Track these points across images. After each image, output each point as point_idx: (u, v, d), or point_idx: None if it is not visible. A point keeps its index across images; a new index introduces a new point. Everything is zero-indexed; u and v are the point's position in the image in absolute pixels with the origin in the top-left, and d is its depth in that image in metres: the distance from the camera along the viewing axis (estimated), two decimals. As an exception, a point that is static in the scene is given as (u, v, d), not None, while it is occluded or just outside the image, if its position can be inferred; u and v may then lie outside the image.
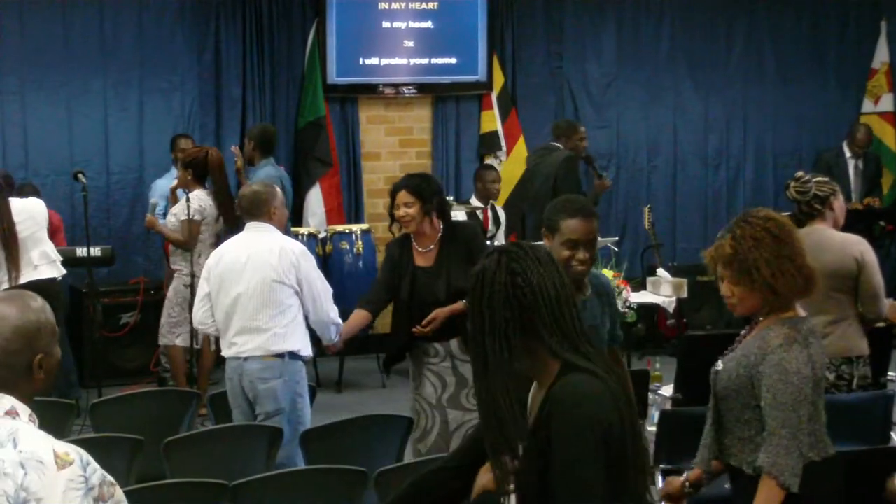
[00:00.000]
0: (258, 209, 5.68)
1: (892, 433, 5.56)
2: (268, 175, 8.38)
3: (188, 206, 7.52)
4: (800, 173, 5.79)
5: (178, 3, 9.69)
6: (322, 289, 5.69)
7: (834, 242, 5.51)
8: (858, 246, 5.50)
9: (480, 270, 2.72)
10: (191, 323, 7.50)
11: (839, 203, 5.63)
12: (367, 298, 5.81)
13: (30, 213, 7.09)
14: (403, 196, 5.52)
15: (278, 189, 5.91)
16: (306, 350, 5.69)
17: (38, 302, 2.66)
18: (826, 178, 5.70)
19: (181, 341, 7.74)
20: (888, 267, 10.84)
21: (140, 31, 9.59)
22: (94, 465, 2.49)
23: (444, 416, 5.52)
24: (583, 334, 2.74)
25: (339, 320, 5.79)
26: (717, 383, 3.59)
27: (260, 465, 5.14)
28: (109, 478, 2.52)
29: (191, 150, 8.02)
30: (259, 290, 5.55)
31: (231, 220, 7.60)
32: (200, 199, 7.62)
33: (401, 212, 5.54)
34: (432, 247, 5.59)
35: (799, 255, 3.55)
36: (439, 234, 5.61)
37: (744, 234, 3.52)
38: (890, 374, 6.94)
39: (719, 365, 3.59)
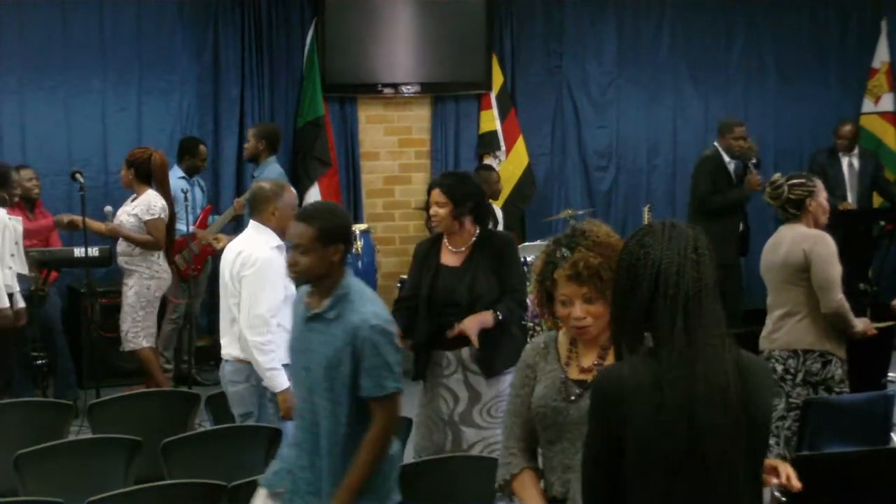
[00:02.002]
0: (256, 207, 5.62)
1: (893, 434, 5.55)
2: (276, 172, 8.42)
3: (154, 206, 7.59)
4: (776, 176, 5.81)
5: (176, 3, 9.68)
6: (247, 305, 5.37)
7: (790, 237, 5.62)
8: (810, 240, 5.56)
9: (628, 238, 2.82)
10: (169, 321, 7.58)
11: (816, 202, 5.64)
12: (401, 314, 5.39)
13: None
14: (436, 195, 5.40)
15: (292, 192, 5.74)
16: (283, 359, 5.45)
17: None
18: (801, 180, 5.68)
19: (147, 342, 7.79)
20: (887, 266, 10.85)
21: (139, 31, 9.58)
22: None
23: (458, 434, 5.34)
24: (694, 321, 2.67)
25: (263, 357, 5.35)
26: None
27: (258, 465, 5.12)
28: None
29: (136, 150, 7.98)
30: (226, 293, 5.55)
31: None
32: (159, 197, 7.68)
33: (432, 210, 5.41)
34: (464, 248, 5.41)
35: None
36: (473, 239, 5.42)
37: (597, 242, 3.28)
38: (890, 374, 6.95)
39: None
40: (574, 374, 3.33)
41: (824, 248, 5.54)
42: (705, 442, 2.63)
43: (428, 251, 5.52)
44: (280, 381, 5.36)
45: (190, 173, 9.02)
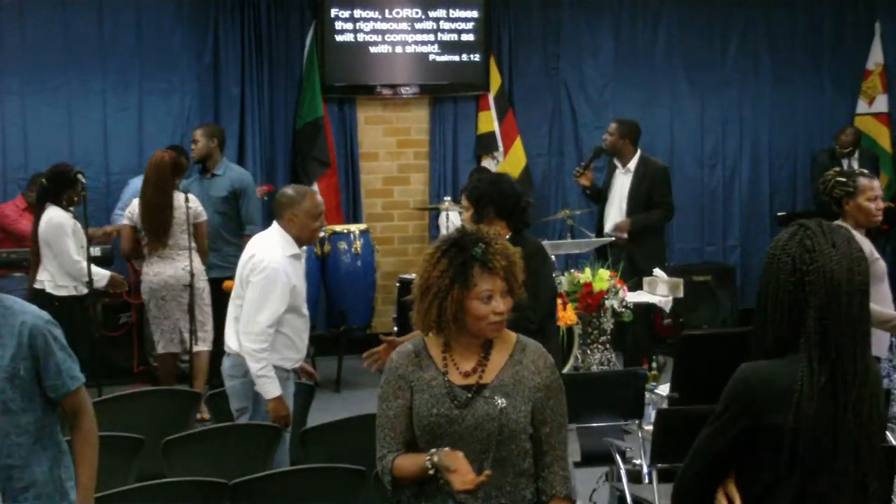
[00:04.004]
0: (276, 211, 5.58)
1: (887, 432, 5.58)
2: (241, 171, 8.67)
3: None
4: (830, 171, 5.76)
5: (176, 4, 9.73)
6: (248, 311, 5.38)
7: None
8: None
9: (776, 239, 2.81)
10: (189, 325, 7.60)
11: (854, 203, 5.56)
12: None
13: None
14: (463, 200, 5.34)
15: (314, 199, 5.57)
16: (275, 361, 5.43)
17: None
18: (844, 179, 5.60)
19: (158, 347, 7.91)
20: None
21: (139, 31, 9.63)
22: None
23: None
24: (860, 327, 2.74)
25: (255, 365, 5.35)
26: (505, 423, 3.22)
27: (259, 464, 5.17)
28: None
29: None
30: (234, 290, 5.57)
31: (150, 231, 7.68)
32: (133, 203, 7.76)
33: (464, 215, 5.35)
34: None
35: None
36: None
37: (495, 236, 3.32)
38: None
39: (502, 402, 3.22)
40: (457, 379, 3.28)
41: None
42: (865, 442, 2.73)
43: None
44: (271, 388, 5.35)
45: None
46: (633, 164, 8.95)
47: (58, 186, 7.39)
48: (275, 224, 5.56)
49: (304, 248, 5.69)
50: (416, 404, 3.27)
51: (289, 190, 5.66)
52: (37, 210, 7.47)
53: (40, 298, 7.07)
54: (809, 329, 2.70)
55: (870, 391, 2.75)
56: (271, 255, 5.40)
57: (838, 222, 5.64)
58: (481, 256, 3.22)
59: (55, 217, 7.33)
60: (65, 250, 7.29)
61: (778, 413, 2.69)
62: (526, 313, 5.05)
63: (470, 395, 3.24)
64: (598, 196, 9.20)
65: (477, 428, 3.21)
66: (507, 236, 5.20)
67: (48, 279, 7.36)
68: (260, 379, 5.36)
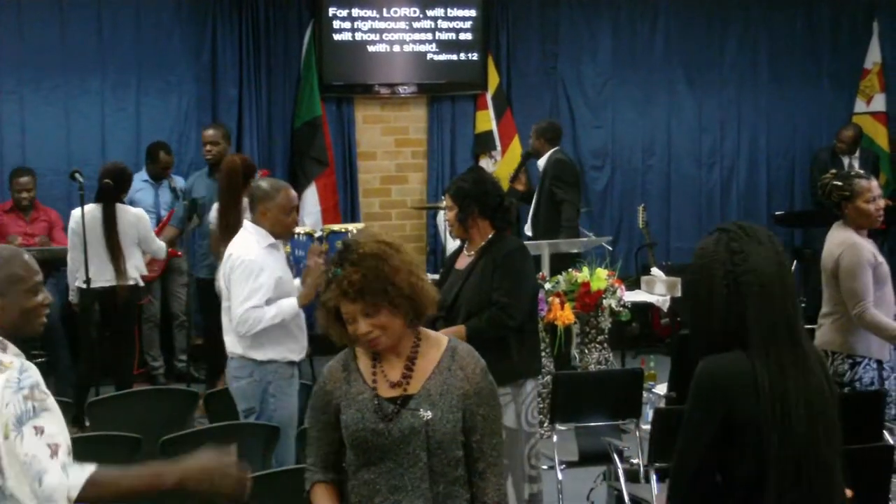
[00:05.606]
0: (251, 206, 5.60)
1: (885, 431, 5.58)
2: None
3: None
4: (828, 174, 5.78)
5: (175, 4, 9.74)
6: (236, 304, 5.37)
7: (830, 239, 5.62)
8: (842, 247, 5.51)
9: (701, 248, 2.84)
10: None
11: (852, 206, 5.54)
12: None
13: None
14: (446, 199, 5.34)
15: (287, 193, 5.56)
16: (281, 355, 5.47)
17: (6, 252, 3.15)
18: (841, 182, 5.58)
19: None
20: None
21: (137, 31, 9.63)
22: (30, 373, 3.00)
23: None
24: (794, 319, 2.77)
25: (263, 323, 5.35)
26: (432, 435, 3.13)
27: (257, 463, 5.17)
28: (44, 388, 3.00)
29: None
30: (224, 295, 5.57)
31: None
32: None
33: (447, 215, 5.37)
34: (473, 253, 5.25)
35: (420, 267, 3.22)
36: (483, 243, 5.23)
37: (362, 255, 3.11)
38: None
39: (427, 414, 3.12)
40: (385, 391, 3.19)
41: (850, 258, 5.47)
42: (821, 432, 2.76)
43: (453, 256, 5.47)
44: (290, 308, 5.39)
45: (155, 178, 9.05)
46: (542, 162, 9.11)
47: (122, 185, 7.67)
48: (246, 221, 5.59)
49: (280, 240, 5.67)
50: (345, 419, 3.20)
51: (263, 184, 5.64)
52: (107, 209, 7.49)
53: (138, 293, 7.65)
54: (749, 327, 2.75)
55: (815, 381, 2.78)
56: (247, 250, 5.42)
57: (838, 223, 5.66)
58: (332, 280, 3.13)
59: (137, 212, 7.72)
60: (155, 241, 7.77)
61: (747, 404, 2.72)
62: (506, 311, 5.09)
63: (395, 408, 3.16)
64: (530, 199, 9.34)
65: (403, 441, 3.13)
66: (490, 235, 5.23)
67: (139, 276, 7.68)
68: (278, 318, 5.36)
